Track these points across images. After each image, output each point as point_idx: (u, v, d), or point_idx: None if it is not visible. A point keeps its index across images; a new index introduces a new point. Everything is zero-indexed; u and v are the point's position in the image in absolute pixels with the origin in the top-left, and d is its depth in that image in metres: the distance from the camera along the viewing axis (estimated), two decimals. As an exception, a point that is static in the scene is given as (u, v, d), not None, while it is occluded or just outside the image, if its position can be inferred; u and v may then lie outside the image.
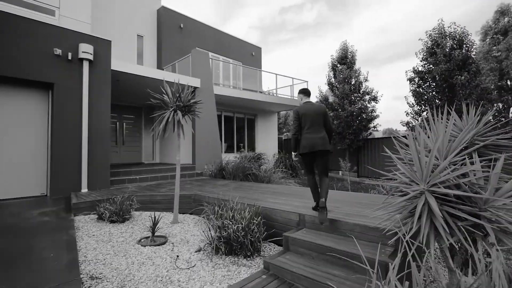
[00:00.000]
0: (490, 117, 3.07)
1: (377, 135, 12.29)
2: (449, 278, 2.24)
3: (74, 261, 2.85)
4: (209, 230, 3.52)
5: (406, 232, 2.20)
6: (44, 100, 5.86)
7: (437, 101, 7.71)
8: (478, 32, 18.13)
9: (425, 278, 2.52)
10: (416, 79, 8.68)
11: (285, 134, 20.52)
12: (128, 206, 4.52)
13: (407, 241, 2.36)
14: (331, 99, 12.56)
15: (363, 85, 11.89)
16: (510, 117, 13.36)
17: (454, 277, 2.18)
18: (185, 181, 7.39)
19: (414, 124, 9.08)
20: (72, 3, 7.44)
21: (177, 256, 3.20)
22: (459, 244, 2.22)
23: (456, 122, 3.20)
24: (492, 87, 13.18)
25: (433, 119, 2.91)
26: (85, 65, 6.00)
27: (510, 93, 13.96)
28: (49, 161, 5.74)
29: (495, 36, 16.67)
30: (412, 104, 8.78)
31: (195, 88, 8.90)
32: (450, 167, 2.41)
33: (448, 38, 7.92)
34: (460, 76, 7.35)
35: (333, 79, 12.55)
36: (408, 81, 8.89)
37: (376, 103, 11.63)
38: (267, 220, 3.74)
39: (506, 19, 17.01)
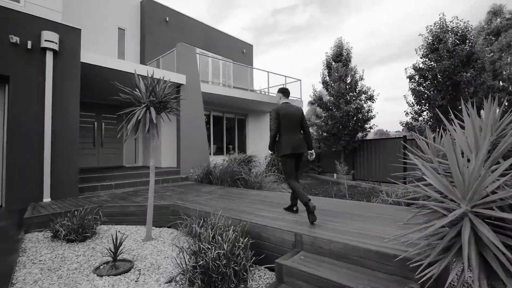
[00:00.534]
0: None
1: (368, 136, 11.77)
2: None
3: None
4: (184, 254, 2.82)
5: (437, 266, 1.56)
6: (-1, 95, 5.06)
7: (439, 100, 7.20)
8: (471, 34, 18.02)
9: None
10: (416, 77, 8.18)
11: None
12: (90, 221, 3.79)
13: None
14: (325, 98, 12.00)
15: (359, 84, 11.37)
16: None
17: None
18: (167, 187, 6.66)
19: (414, 124, 8.60)
20: (40, -11, 6.61)
21: (141, 291, 2.50)
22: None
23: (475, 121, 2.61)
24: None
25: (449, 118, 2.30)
26: (49, 56, 5.22)
27: (503, 93, 13.77)
28: (4, 166, 4.92)
29: (487, 37, 16.49)
30: (412, 103, 8.28)
31: (180, 85, 8.18)
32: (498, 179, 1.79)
33: (450, 33, 7.46)
34: (465, 73, 6.85)
35: (327, 78, 12.00)
36: (408, 79, 8.39)
37: (373, 102, 11.14)
38: (256, 239, 3.08)
39: (498, 19, 16.90)
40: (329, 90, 11.95)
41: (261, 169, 8.43)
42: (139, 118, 3.55)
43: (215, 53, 12.83)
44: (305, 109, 22.19)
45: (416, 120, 8.42)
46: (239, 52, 14.48)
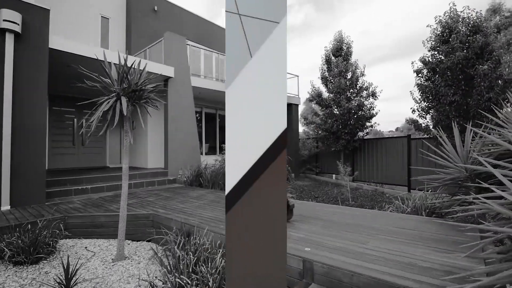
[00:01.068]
0: None
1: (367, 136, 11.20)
2: None
3: None
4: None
5: None
6: (-52, 85, 4.28)
7: (450, 95, 6.64)
8: (470, 31, 17.71)
9: None
10: (425, 71, 7.60)
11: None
12: (47, 237, 3.06)
13: None
14: (325, 95, 11.37)
15: (360, 80, 10.76)
16: None
17: None
18: (152, 191, 5.93)
19: (420, 122, 8.04)
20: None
21: None
22: None
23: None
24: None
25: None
26: (9, 39, 4.45)
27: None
28: (-48, 168, 4.16)
29: (487, 35, 16.14)
30: (419, 100, 7.71)
31: (168, 78, 7.44)
32: None
33: (461, 24, 6.91)
34: (481, 66, 6.26)
35: (326, 73, 11.37)
36: (415, 73, 7.81)
37: (375, 99, 10.56)
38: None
39: (497, 17, 16.56)
40: (328, 86, 11.31)
41: (257, 170, 7.73)
42: (105, 109, 2.84)
43: (208, 47, 12.08)
44: (302, 107, 21.56)
45: (423, 117, 7.87)
46: (233, 47, 13.74)
